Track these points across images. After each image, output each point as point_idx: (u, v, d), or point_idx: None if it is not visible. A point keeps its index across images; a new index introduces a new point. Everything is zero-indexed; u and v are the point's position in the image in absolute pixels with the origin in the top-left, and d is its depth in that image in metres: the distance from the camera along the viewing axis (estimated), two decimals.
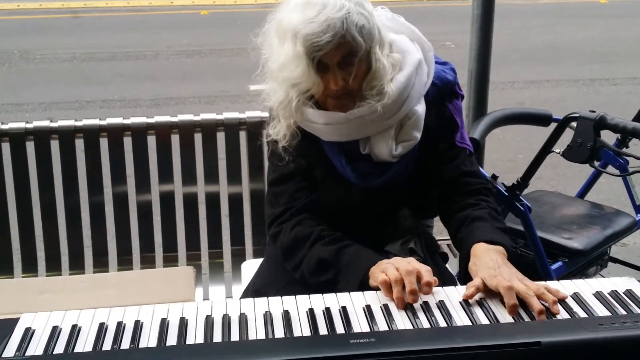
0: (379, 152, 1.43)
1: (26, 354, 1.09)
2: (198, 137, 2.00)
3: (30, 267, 2.03)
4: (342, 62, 1.33)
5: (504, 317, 1.17)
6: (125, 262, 2.04)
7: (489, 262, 1.28)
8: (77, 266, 2.03)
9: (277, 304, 1.21)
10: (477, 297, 1.23)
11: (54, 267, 2.03)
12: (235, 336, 1.13)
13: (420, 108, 1.43)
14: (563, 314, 1.18)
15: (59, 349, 1.10)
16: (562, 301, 1.21)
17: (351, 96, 1.38)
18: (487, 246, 1.33)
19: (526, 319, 1.17)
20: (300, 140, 1.44)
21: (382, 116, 1.38)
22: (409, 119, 1.42)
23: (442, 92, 1.48)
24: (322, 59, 1.31)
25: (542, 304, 1.17)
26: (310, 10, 1.29)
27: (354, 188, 1.47)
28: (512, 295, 1.17)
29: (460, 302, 1.21)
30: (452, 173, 1.49)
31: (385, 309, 1.20)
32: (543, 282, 1.24)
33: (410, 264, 1.24)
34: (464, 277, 1.36)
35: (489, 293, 1.23)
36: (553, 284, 1.26)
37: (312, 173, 1.48)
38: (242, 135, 2.01)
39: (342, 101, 1.37)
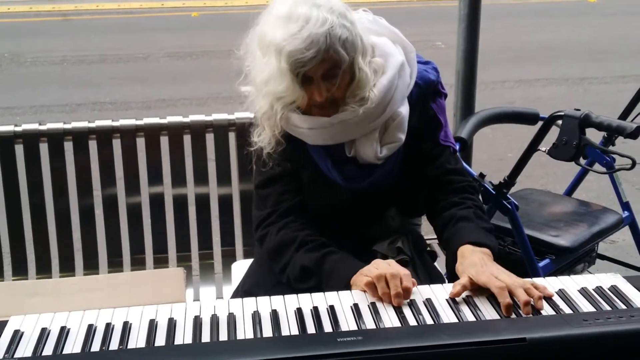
0: (364, 155, 1.44)
1: (15, 356, 1.09)
2: (187, 139, 2.00)
3: (20, 270, 2.02)
4: (326, 74, 1.33)
5: (490, 314, 1.19)
6: (115, 264, 2.04)
7: (476, 260, 1.29)
8: (67, 268, 2.03)
9: (265, 304, 1.22)
10: (463, 294, 1.24)
11: (44, 269, 2.02)
12: (223, 336, 1.13)
13: (404, 110, 1.44)
14: (548, 310, 1.19)
15: (48, 350, 1.11)
16: (547, 298, 1.22)
17: (335, 104, 1.38)
18: (473, 248, 1.34)
19: (512, 315, 1.18)
20: (285, 144, 1.44)
21: (366, 119, 1.38)
22: (393, 121, 1.43)
23: (425, 92, 1.49)
24: (307, 73, 1.31)
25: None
26: (293, 24, 1.28)
27: (341, 190, 1.47)
28: (505, 295, 1.18)
29: (447, 300, 1.23)
30: (436, 171, 1.50)
31: (373, 307, 1.21)
32: (530, 280, 1.25)
33: (390, 266, 1.25)
34: (450, 277, 1.37)
35: (476, 291, 1.25)
36: (540, 281, 1.28)
37: (298, 176, 1.49)
38: (232, 137, 2.01)
39: (326, 110, 1.38)
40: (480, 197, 1.53)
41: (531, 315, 1.17)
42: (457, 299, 1.23)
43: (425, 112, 1.49)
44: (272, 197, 1.48)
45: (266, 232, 1.47)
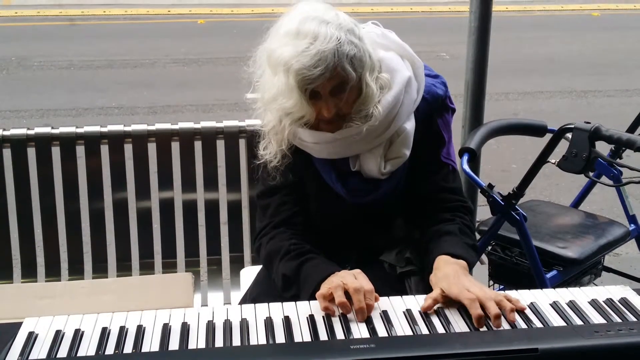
0: (368, 170, 1.44)
1: (29, 358, 1.10)
2: (198, 145, 2.02)
3: (29, 273, 2.03)
4: (333, 90, 1.34)
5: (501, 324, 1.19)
6: (124, 268, 2.04)
7: (449, 272, 1.29)
8: (76, 272, 2.04)
9: (277, 310, 1.23)
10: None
11: (53, 273, 2.03)
12: (236, 341, 1.14)
13: (410, 125, 1.44)
14: (559, 321, 1.20)
15: (62, 353, 1.11)
16: (558, 309, 1.23)
17: (343, 119, 1.39)
18: (449, 259, 1.34)
19: (523, 325, 1.19)
20: (291, 158, 1.45)
21: (370, 135, 1.39)
22: (398, 136, 1.43)
23: (431, 107, 1.48)
24: (315, 89, 1.32)
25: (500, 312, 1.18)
26: (301, 41, 1.29)
27: (347, 202, 1.48)
28: (476, 306, 1.18)
29: (458, 309, 1.23)
30: (432, 188, 1.49)
31: (385, 315, 1.21)
32: (503, 292, 1.25)
33: (357, 279, 1.24)
34: (425, 289, 1.36)
35: (448, 303, 1.24)
36: (514, 295, 1.26)
37: (300, 187, 1.50)
38: (242, 143, 2.03)
39: (334, 125, 1.39)
40: (470, 218, 1.51)
41: (542, 325, 1.18)
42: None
43: (430, 127, 1.49)
44: (271, 208, 1.50)
45: (260, 244, 1.50)
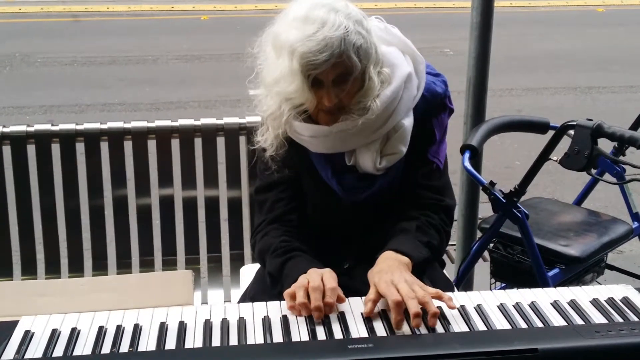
0: (363, 165, 1.43)
1: (25, 357, 1.10)
2: (198, 142, 2.01)
3: (29, 270, 2.03)
4: (336, 80, 1.32)
5: (501, 323, 1.18)
6: (124, 266, 2.04)
7: (384, 267, 1.28)
8: (76, 269, 2.04)
9: (275, 309, 1.22)
10: (474, 304, 1.24)
11: (53, 269, 2.03)
12: (233, 340, 1.14)
13: (408, 122, 1.43)
14: (559, 321, 1.19)
15: (58, 351, 1.11)
16: (559, 308, 1.22)
17: (343, 110, 1.38)
18: (391, 254, 1.33)
19: (522, 325, 1.18)
20: (287, 149, 1.44)
21: (366, 130, 1.38)
22: (396, 132, 1.41)
23: (429, 105, 1.47)
24: (317, 76, 1.31)
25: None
26: (309, 26, 1.28)
27: (342, 199, 1.47)
28: (399, 311, 1.16)
29: (457, 309, 1.22)
30: (412, 184, 1.48)
31: (384, 314, 1.21)
32: (436, 290, 1.21)
33: (323, 277, 1.23)
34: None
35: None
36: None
37: (297, 183, 1.49)
38: (242, 140, 2.02)
39: (333, 116, 1.38)
40: (442, 217, 1.47)
41: (542, 325, 1.17)
42: (466, 307, 1.22)
43: (424, 124, 1.47)
44: (267, 204, 1.49)
45: (254, 242, 1.50)
